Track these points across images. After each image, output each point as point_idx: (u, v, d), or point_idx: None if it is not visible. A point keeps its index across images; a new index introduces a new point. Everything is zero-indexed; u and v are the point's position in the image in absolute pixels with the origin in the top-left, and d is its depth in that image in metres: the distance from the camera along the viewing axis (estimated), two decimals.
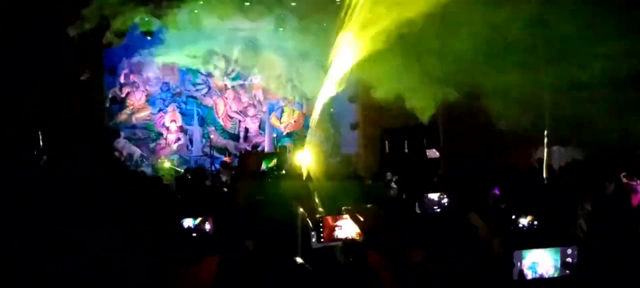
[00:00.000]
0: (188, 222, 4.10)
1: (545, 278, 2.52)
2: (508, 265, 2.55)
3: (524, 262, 2.54)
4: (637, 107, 8.21)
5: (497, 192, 6.84)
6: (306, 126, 15.62)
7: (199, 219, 4.08)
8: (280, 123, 15.63)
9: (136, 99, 14.25)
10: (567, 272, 2.52)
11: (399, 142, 13.47)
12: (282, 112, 15.66)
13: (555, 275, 2.53)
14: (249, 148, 15.08)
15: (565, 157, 10.25)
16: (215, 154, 14.45)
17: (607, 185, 6.86)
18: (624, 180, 6.79)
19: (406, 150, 13.43)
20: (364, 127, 14.66)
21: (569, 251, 2.54)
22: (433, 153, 9.46)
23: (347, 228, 3.39)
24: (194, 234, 4.09)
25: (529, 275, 2.52)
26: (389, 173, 10.27)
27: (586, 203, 4.22)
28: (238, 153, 14.72)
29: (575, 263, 2.53)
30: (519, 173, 9.35)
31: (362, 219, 3.94)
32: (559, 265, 2.53)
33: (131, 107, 14.22)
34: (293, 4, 13.20)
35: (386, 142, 13.83)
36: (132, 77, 14.19)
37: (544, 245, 2.56)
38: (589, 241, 2.87)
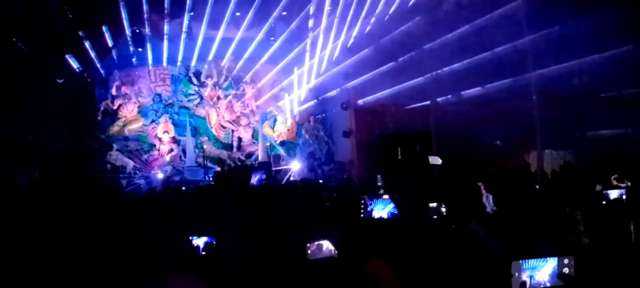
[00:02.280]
0: (197, 241, 4.05)
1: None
2: (507, 274, 2.58)
3: (523, 271, 2.58)
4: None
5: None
6: (299, 135, 15.67)
7: (208, 238, 4.03)
8: (274, 132, 15.65)
9: (128, 110, 14.20)
10: (564, 282, 2.56)
11: (392, 148, 13.55)
12: (275, 120, 15.69)
13: (553, 284, 2.57)
14: (242, 158, 15.08)
15: (558, 160, 10.35)
16: (209, 164, 14.41)
17: (597, 187, 6.94)
18: (614, 182, 6.87)
19: (399, 157, 13.51)
20: (357, 134, 14.70)
21: (566, 261, 2.58)
22: (435, 160, 9.46)
23: (381, 210, 4.61)
24: (203, 252, 4.04)
25: (528, 283, 2.57)
26: (379, 177, 10.30)
27: (578, 208, 4.27)
28: (232, 163, 14.72)
29: (572, 274, 2.58)
30: (510, 177, 9.41)
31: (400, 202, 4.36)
32: (556, 275, 2.58)
33: (123, 119, 14.17)
34: (284, 13, 13.26)
35: (379, 149, 13.89)
36: (123, 89, 14.14)
37: (542, 255, 2.60)
38: (584, 248, 2.92)
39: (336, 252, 3.41)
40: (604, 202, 5.07)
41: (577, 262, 2.56)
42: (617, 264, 2.74)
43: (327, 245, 3.44)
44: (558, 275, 2.56)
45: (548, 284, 2.56)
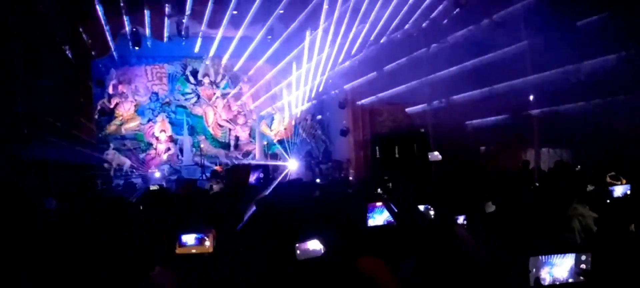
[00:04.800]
0: (187, 238, 3.98)
1: (561, 284, 2.61)
2: (524, 271, 2.62)
3: (540, 268, 2.62)
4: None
5: None
6: (297, 133, 15.69)
7: (199, 235, 3.97)
8: (271, 130, 15.65)
9: (125, 109, 14.18)
10: (581, 278, 2.61)
11: (390, 147, 13.61)
12: (273, 119, 15.68)
13: (570, 281, 2.62)
14: (239, 157, 15.07)
15: (555, 158, 10.45)
16: (206, 163, 14.41)
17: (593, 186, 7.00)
18: (608, 180, 6.93)
19: (397, 155, 13.57)
20: (355, 133, 14.76)
21: (584, 257, 2.63)
22: (435, 156, 9.44)
23: (376, 218, 4.40)
24: (193, 251, 3.97)
25: (547, 279, 2.61)
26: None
27: (577, 204, 4.31)
28: (229, 162, 14.73)
29: (590, 270, 2.63)
30: (509, 176, 9.49)
31: (395, 210, 4.29)
32: (573, 271, 2.62)
33: (120, 118, 14.15)
34: (281, 12, 13.25)
35: (377, 148, 13.95)
36: (120, 88, 14.11)
37: (559, 251, 2.64)
38: (597, 246, 2.97)
39: (324, 250, 3.36)
40: (608, 201, 5.12)
41: (594, 258, 2.61)
42: (630, 261, 2.80)
43: (316, 245, 3.40)
44: (576, 271, 2.61)
45: (567, 280, 2.60)
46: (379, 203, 4.58)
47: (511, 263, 2.74)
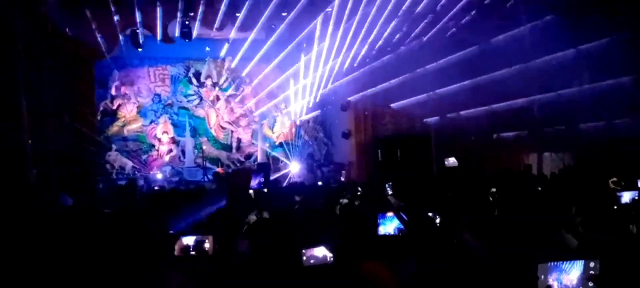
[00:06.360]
0: (188, 240, 3.96)
1: None
2: (532, 277, 2.62)
3: (548, 274, 2.61)
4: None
5: None
6: (299, 136, 15.68)
7: (199, 237, 3.95)
8: (273, 133, 15.64)
9: (127, 110, 14.19)
10: (591, 284, 2.61)
11: (392, 150, 13.58)
12: (275, 121, 15.68)
13: None
14: (242, 159, 15.08)
15: (557, 162, 10.45)
16: (208, 165, 14.42)
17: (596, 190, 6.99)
18: (612, 185, 6.92)
19: (399, 159, 13.55)
20: (356, 136, 14.76)
21: (592, 264, 2.63)
22: (451, 162, 9.37)
23: (387, 226, 4.35)
24: (193, 252, 3.96)
25: (555, 286, 2.60)
26: (387, 186, 10.22)
27: (580, 208, 4.31)
28: (231, 164, 14.73)
29: (599, 277, 2.62)
30: (511, 178, 9.47)
31: (405, 218, 4.25)
32: (581, 278, 2.62)
33: (123, 119, 14.15)
34: (283, 14, 13.25)
35: (379, 151, 13.93)
36: (123, 89, 14.13)
37: (568, 258, 2.64)
38: (606, 252, 2.97)
39: (332, 257, 3.33)
40: (615, 207, 5.10)
41: (604, 265, 2.61)
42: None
43: (323, 251, 3.36)
44: (585, 277, 2.60)
45: (575, 286, 2.60)
46: (389, 213, 4.53)
47: (519, 269, 2.74)
